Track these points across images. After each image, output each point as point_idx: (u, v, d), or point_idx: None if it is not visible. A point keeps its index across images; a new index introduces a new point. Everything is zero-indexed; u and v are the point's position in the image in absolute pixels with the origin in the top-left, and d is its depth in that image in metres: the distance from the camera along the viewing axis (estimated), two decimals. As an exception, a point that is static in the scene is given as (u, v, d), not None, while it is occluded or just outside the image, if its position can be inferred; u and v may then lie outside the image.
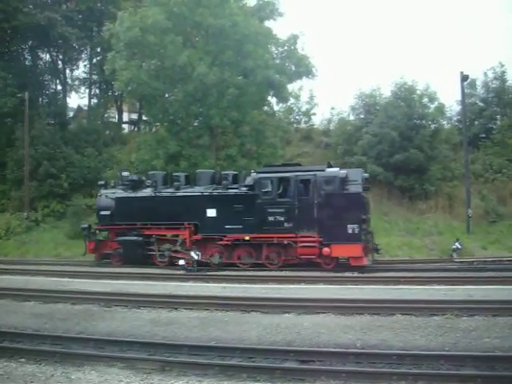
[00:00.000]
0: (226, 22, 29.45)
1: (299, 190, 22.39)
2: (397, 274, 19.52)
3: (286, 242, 22.13)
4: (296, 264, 22.26)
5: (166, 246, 24.10)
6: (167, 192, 24.68)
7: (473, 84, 38.19)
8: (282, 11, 34.39)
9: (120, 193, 25.47)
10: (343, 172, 22.37)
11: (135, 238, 24.41)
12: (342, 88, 74.89)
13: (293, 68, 34.07)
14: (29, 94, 38.02)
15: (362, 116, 37.38)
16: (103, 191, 26.08)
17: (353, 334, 10.55)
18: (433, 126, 34.75)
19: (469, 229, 29.64)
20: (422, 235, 29.11)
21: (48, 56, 46.03)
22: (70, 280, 20.03)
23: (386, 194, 33.22)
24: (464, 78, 32.13)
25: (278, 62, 33.83)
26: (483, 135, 37.18)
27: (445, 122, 37.54)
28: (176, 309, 13.55)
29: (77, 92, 49.45)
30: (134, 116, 52.21)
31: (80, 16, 43.45)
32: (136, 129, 50.22)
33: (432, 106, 35.39)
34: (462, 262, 23.82)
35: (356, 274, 20.44)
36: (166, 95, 33.31)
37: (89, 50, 46.51)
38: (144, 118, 44.84)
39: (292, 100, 39.16)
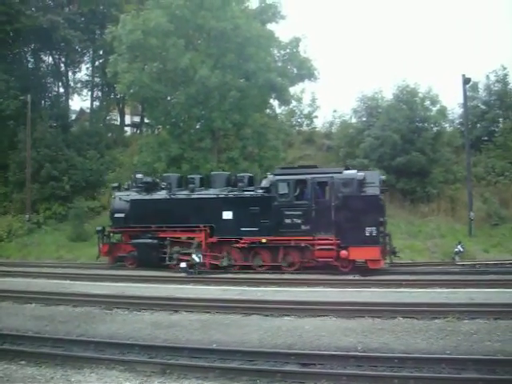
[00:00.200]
0: (228, 25, 29.48)
1: (316, 192, 22.25)
2: (398, 277, 19.48)
3: (303, 245, 21.92)
4: (312, 267, 22.14)
5: (176, 249, 23.85)
6: (182, 194, 24.47)
7: (475, 87, 38.21)
8: (284, 14, 34.53)
9: (134, 195, 25.22)
10: (361, 174, 22.19)
11: (150, 240, 24.17)
12: (344, 91, 75.13)
13: (295, 71, 34.09)
14: (31, 96, 38.09)
15: (364, 119, 37.37)
16: (117, 193, 25.83)
17: (354, 337, 10.52)
18: (435, 129, 34.74)
19: (471, 232, 29.60)
20: (424, 238, 29.06)
21: (50, 59, 46.19)
22: (72, 282, 20.05)
23: (387, 197, 33.11)
24: (466, 80, 32.11)
25: (280, 64, 33.87)
26: (485, 138, 37.18)
27: (447, 125, 37.56)
28: (177, 311, 13.54)
29: (79, 95, 49.71)
30: (137, 119, 52.28)
31: (82, 19, 43.66)
32: (138, 131, 50.30)
33: (434, 109, 35.36)
34: (463, 264, 23.72)
35: (357, 277, 20.42)
36: (168, 98, 33.31)
37: (91, 52, 46.67)
38: (146, 120, 44.89)
39: (294, 103, 39.13)
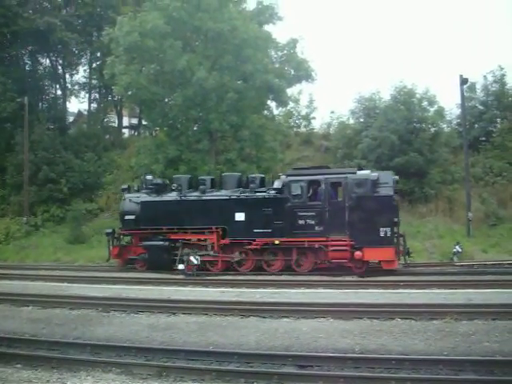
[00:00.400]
0: (225, 27, 29.42)
1: (330, 192, 22.19)
2: (396, 278, 19.45)
3: (317, 246, 21.81)
4: (325, 268, 22.06)
5: (186, 251, 23.34)
6: (193, 196, 24.25)
7: (472, 87, 38.17)
8: (281, 15, 34.43)
9: (145, 197, 25.00)
10: (375, 174, 22.08)
11: (161, 242, 23.96)
12: (341, 92, 75.10)
13: (292, 72, 34.09)
14: (28, 98, 38.05)
15: (361, 120, 37.34)
16: (127, 195, 25.56)
17: (351, 338, 10.50)
18: (432, 130, 34.71)
19: (469, 232, 29.57)
20: (423, 239, 29.02)
21: (48, 61, 46.18)
22: (69, 285, 19.98)
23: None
24: (463, 81, 32.10)
25: (277, 66, 33.88)
26: (483, 138, 37.14)
27: (444, 126, 37.46)
28: (174, 314, 13.51)
29: (77, 97, 49.58)
30: (134, 121, 52.26)
31: (80, 21, 43.52)
32: (136, 133, 50.27)
33: (432, 110, 35.34)
34: (462, 265, 23.71)
35: (356, 278, 20.40)
36: (166, 100, 33.27)
37: (88, 54, 46.53)
38: (144, 122, 44.86)
39: (291, 104, 39.19)
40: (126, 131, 52.41)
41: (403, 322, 11.70)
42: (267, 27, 34.30)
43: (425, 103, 35.19)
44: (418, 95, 35.06)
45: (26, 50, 44.63)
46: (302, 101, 42.32)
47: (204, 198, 23.96)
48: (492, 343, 9.93)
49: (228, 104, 30.02)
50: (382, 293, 16.20)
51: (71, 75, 48.32)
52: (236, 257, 23.09)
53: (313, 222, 21.95)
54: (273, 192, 22.90)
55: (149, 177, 26.12)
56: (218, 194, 24.03)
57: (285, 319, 12.47)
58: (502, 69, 38.16)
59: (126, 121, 52.21)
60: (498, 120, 37.88)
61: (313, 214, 21.99)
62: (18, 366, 9.56)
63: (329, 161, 34.94)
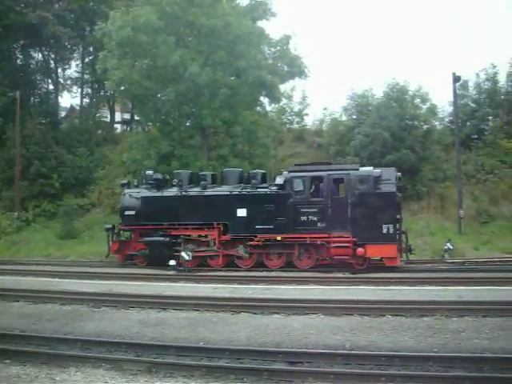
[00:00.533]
0: (219, 22, 29.33)
1: (332, 189, 22.16)
2: (387, 275, 19.46)
3: (319, 243, 21.80)
4: (327, 264, 22.04)
5: (191, 247, 23.40)
6: (195, 191, 24.13)
7: (465, 85, 38.20)
8: (274, 11, 34.33)
9: (145, 192, 24.86)
10: (377, 171, 22.07)
11: (162, 238, 23.84)
12: (334, 88, 75.08)
13: (285, 68, 34.02)
14: (20, 93, 37.83)
15: (354, 116, 37.29)
16: (127, 190, 25.38)
17: (342, 335, 10.51)
18: (425, 127, 34.74)
19: (460, 229, 29.66)
20: (414, 236, 28.96)
21: (40, 55, 45.84)
22: (60, 280, 19.93)
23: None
24: (456, 78, 32.18)
25: (270, 62, 33.79)
26: (475, 136, 37.21)
27: (437, 123, 37.49)
28: (165, 309, 13.50)
29: (69, 91, 49.36)
30: (127, 116, 52.08)
31: (72, 15, 43.25)
32: (128, 128, 50.10)
33: (424, 107, 35.40)
34: (453, 262, 23.80)
35: (347, 275, 20.42)
36: (158, 95, 33.13)
37: (81, 49, 46.30)
38: (136, 117, 44.69)
39: (284, 100, 39.10)
40: (118, 126, 52.24)
41: (394, 319, 11.72)
42: (260, 23, 34.27)
43: (417, 100, 35.22)
44: (410, 92, 35.09)
45: (18, 44, 44.29)
46: (295, 97, 42.30)
47: (205, 193, 23.86)
48: (482, 340, 9.96)
49: (221, 100, 29.96)
50: (373, 289, 16.25)
51: (63, 70, 48.03)
52: (241, 251, 22.93)
53: (315, 219, 21.93)
54: (275, 188, 22.84)
55: (149, 172, 25.94)
56: (220, 189, 23.99)
57: (276, 315, 12.46)
58: (494, 67, 38.22)
59: (118, 116, 52.01)
60: (490, 118, 37.98)
61: (315, 210, 21.99)
62: (7, 361, 9.50)
63: (321, 157, 34.91)
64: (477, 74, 38.68)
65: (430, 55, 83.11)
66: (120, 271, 22.43)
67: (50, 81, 46.89)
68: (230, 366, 8.95)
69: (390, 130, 32.94)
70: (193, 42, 31.85)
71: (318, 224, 21.89)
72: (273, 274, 21.10)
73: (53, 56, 46.02)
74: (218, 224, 23.21)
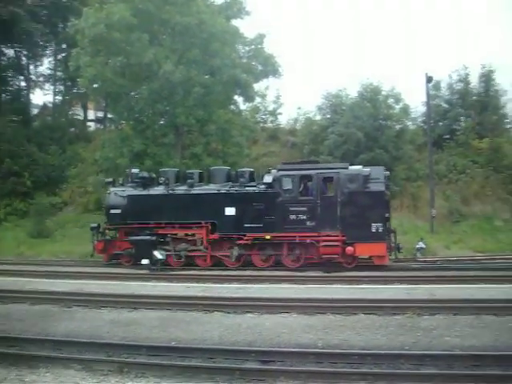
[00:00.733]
0: (193, 20, 29.19)
1: (321, 187, 22.09)
2: (360, 274, 19.54)
3: (308, 241, 21.72)
4: (315, 263, 21.94)
5: (183, 246, 23.26)
6: (182, 190, 23.80)
7: (437, 86, 38.69)
8: (249, 10, 34.31)
9: (131, 190, 24.44)
10: (367, 170, 22.07)
11: (148, 237, 23.43)
12: (308, 88, 75.19)
13: (259, 67, 33.97)
14: (-9, 90, 37.33)
15: (328, 116, 37.48)
16: (112, 189, 24.87)
17: (314, 333, 10.51)
18: (398, 127, 35.12)
19: (432, 228, 29.97)
20: (387, 235, 29.29)
21: (12, 51, 45.18)
22: (31, 280, 19.60)
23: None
24: (429, 79, 32.54)
25: (244, 61, 33.72)
26: (447, 136, 37.72)
27: (410, 123, 37.95)
28: (137, 309, 13.37)
29: (41, 89, 48.68)
30: (100, 114, 51.58)
31: (45, 11, 42.80)
32: (102, 126, 49.66)
33: (397, 107, 35.80)
34: (425, 261, 24.02)
35: (320, 274, 20.47)
36: (132, 93, 32.88)
37: (54, 45, 45.77)
38: (109, 115, 44.32)
39: (258, 99, 39.17)
40: (91, 124, 51.72)
41: (366, 317, 11.75)
42: (235, 22, 34.19)
43: (391, 101, 35.59)
44: (384, 92, 35.46)
45: (-11, 40, 43.70)
46: (269, 96, 42.39)
47: (193, 192, 23.56)
48: (453, 338, 10.04)
49: (195, 98, 29.82)
50: (345, 288, 16.28)
51: (36, 66, 47.35)
52: (235, 253, 22.65)
53: (304, 217, 21.84)
54: (263, 187, 22.68)
55: (135, 170, 25.56)
56: (207, 188, 23.69)
57: (249, 314, 12.41)
58: (466, 68, 38.84)
59: (91, 114, 51.53)
60: (462, 118, 38.55)
61: (304, 209, 21.89)
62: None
63: (295, 156, 35.02)
64: (449, 74, 39.30)
65: (403, 56, 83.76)
66: (92, 270, 22.17)
67: (21, 77, 46.28)
68: (202, 365, 8.90)
69: (363, 129, 33.20)
70: (167, 39, 31.63)
71: (308, 223, 21.83)
72: (247, 272, 21.04)
73: (25, 52, 45.42)
74: (206, 223, 22.97)
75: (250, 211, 22.38)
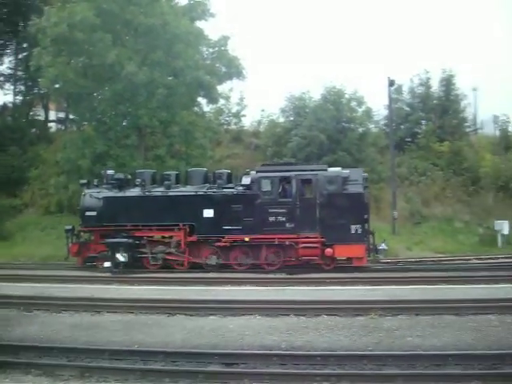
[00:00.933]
0: (157, 21, 28.98)
1: (300, 189, 22.05)
2: (322, 275, 19.63)
3: (287, 243, 21.66)
4: (294, 265, 21.83)
5: (160, 249, 22.86)
6: (159, 191, 23.46)
7: (399, 89, 39.25)
8: (213, 12, 34.20)
9: (106, 192, 23.95)
10: (346, 172, 22.14)
11: (125, 240, 22.91)
12: (272, 90, 75.38)
13: (223, 69, 33.85)
14: None
15: (291, 118, 37.62)
16: (87, 190, 24.27)
17: (278, 335, 10.53)
18: (360, 130, 35.47)
19: (394, 230, 30.32)
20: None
21: (-30, 50, 44.29)
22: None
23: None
24: (391, 83, 32.95)
25: (208, 62, 33.57)
26: (409, 139, 38.31)
27: (372, 126, 38.35)
28: (99, 312, 13.18)
29: (1, 88, 47.70)
30: (62, 114, 50.83)
31: (5, 9, 41.98)
32: (63, 127, 48.94)
33: (360, 110, 36.11)
34: (387, 262, 24.26)
35: (283, 276, 20.51)
36: (94, 94, 32.47)
37: (14, 44, 44.95)
38: (71, 116, 43.70)
39: (222, 101, 39.00)
40: (52, 125, 50.93)
41: (329, 319, 11.80)
42: (199, 23, 34.01)
43: (353, 103, 35.91)
44: (347, 95, 35.73)
45: None
46: (233, 98, 42.25)
47: (170, 193, 23.25)
48: (414, 338, 10.17)
49: (158, 100, 29.59)
50: (308, 290, 16.37)
51: (-5, 66, 46.53)
52: (212, 261, 22.42)
53: (283, 219, 21.77)
54: (241, 188, 22.56)
55: (110, 171, 25.15)
56: (185, 189, 23.40)
57: (212, 317, 12.37)
58: (427, 72, 39.47)
59: (52, 114, 50.74)
60: (423, 122, 39.17)
61: (283, 210, 21.82)
62: None
63: (259, 159, 35.11)
64: (411, 78, 39.88)
65: (366, 59, 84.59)
66: (52, 274, 21.80)
67: (-20, 77, 45.34)
68: (165, 368, 8.84)
69: (326, 132, 33.42)
70: (130, 40, 31.37)
71: (287, 225, 21.76)
72: (209, 275, 20.96)
73: (-17, 51, 44.52)
74: (184, 225, 22.70)
75: (229, 213, 22.20)
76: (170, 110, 30.87)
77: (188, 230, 22.71)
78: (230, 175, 23.87)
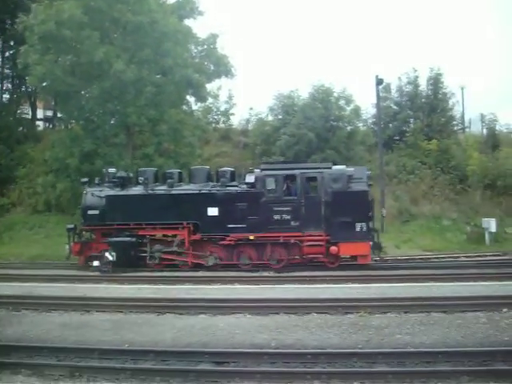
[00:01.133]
0: (145, 19, 28.85)
1: (305, 187, 22.04)
2: (312, 273, 19.66)
3: (292, 241, 21.64)
4: (299, 263, 21.82)
5: (157, 248, 22.72)
6: (162, 190, 23.24)
7: (387, 88, 39.36)
8: (202, 10, 34.20)
9: (108, 191, 23.72)
10: (350, 170, 22.16)
11: (128, 238, 22.79)
12: (260, 89, 75.51)
13: (212, 67, 33.88)
14: None
15: (280, 117, 37.64)
16: (89, 189, 24.06)
17: (268, 333, 10.54)
18: (349, 128, 35.56)
19: (383, 228, 30.34)
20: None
21: (-44, 48, 43.93)
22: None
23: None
24: (379, 81, 32.94)
25: (197, 60, 33.56)
26: (397, 137, 38.44)
27: (360, 124, 38.51)
28: (88, 311, 13.14)
29: (-11, 86, 47.46)
30: (50, 113, 50.56)
31: (-9, 7, 41.64)
32: (51, 126, 48.69)
33: (348, 109, 36.20)
34: (375, 260, 24.31)
35: (273, 274, 20.53)
36: (82, 92, 32.27)
37: (1, 42, 44.61)
38: (59, 114, 43.46)
39: (210, 99, 39.08)
40: (40, 123, 50.65)
41: (319, 317, 11.84)
42: (188, 22, 34.05)
43: (342, 102, 35.99)
44: (335, 94, 35.82)
45: None
46: (221, 96, 42.34)
47: (173, 192, 23.07)
48: (404, 335, 10.22)
49: (146, 98, 29.48)
50: (298, 288, 16.36)
51: (-18, 64, 46.20)
52: (210, 262, 22.26)
53: (288, 217, 21.77)
54: (245, 186, 22.47)
55: (112, 170, 24.94)
56: (188, 188, 23.22)
57: (202, 316, 12.36)
58: (415, 71, 39.65)
59: (40, 113, 50.46)
60: (411, 120, 39.28)
61: (288, 208, 21.81)
62: None
63: (247, 157, 35.15)
64: (399, 77, 40.00)
65: (354, 58, 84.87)
66: (41, 273, 21.70)
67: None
68: (155, 367, 8.83)
69: (315, 130, 33.46)
70: (118, 38, 31.21)
71: (292, 223, 21.76)
72: (199, 273, 20.93)
73: (-30, 49, 44.18)
74: (188, 223, 22.55)
75: (233, 211, 22.11)
76: (158, 108, 30.76)
77: (192, 228, 22.61)
78: (233, 173, 23.67)
